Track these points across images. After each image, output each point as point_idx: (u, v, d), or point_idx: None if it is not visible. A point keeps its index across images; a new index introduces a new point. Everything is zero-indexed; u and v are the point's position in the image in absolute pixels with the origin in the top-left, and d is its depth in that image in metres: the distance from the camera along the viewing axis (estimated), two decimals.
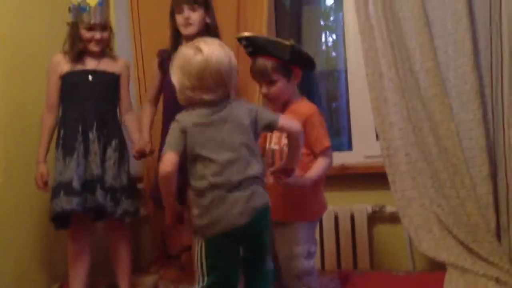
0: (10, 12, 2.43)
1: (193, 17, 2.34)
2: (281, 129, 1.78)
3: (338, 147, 2.89)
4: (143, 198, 2.69)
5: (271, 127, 1.75)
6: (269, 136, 2.05)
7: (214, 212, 1.64)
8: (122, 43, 2.94)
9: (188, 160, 1.69)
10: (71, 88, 2.34)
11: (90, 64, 2.36)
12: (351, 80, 2.77)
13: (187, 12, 2.33)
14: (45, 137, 2.33)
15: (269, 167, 1.96)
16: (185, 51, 1.71)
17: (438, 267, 2.34)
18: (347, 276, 2.45)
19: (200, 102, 1.69)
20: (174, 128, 1.69)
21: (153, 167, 2.81)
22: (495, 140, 2.29)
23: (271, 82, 1.97)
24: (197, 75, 1.66)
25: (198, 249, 1.69)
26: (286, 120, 1.77)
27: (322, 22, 3.59)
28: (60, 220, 2.26)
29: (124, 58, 2.52)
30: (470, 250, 2.27)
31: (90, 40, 2.33)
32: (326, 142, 1.94)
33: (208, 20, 2.38)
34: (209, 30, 2.37)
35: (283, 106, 2.02)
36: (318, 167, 1.93)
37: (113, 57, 2.44)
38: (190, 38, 2.36)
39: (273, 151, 2.02)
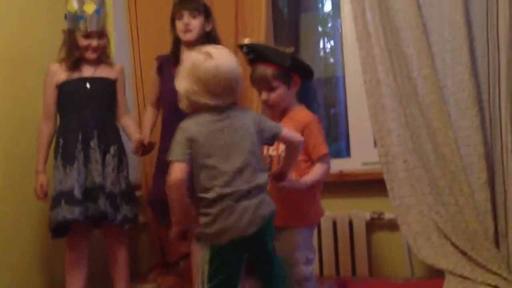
0: (11, 14, 2.43)
1: (193, 23, 2.36)
2: (283, 141, 1.79)
3: (336, 154, 2.89)
4: (141, 205, 2.69)
5: (274, 139, 1.77)
6: None
7: (223, 222, 1.63)
8: (120, 50, 2.95)
9: (194, 169, 1.67)
10: (69, 97, 2.33)
11: (87, 71, 2.36)
12: (349, 87, 2.78)
13: (187, 18, 2.35)
14: (43, 147, 2.33)
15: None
16: (195, 56, 1.70)
17: (436, 275, 2.33)
18: (346, 283, 2.44)
19: (205, 108, 1.68)
20: (179, 136, 1.67)
21: (151, 174, 2.82)
22: (493, 147, 2.29)
23: (271, 89, 1.99)
24: (206, 80, 1.66)
25: (203, 255, 1.68)
26: (288, 132, 1.78)
27: (320, 29, 3.60)
28: (59, 229, 2.24)
29: (119, 63, 2.52)
30: (468, 258, 2.27)
31: (87, 48, 2.33)
32: (324, 149, 1.96)
33: (207, 28, 2.40)
34: (209, 37, 2.38)
35: (282, 113, 2.03)
36: (315, 172, 1.95)
37: (109, 63, 2.43)
38: (190, 44, 2.38)
39: (271, 157, 2.03)
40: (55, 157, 2.30)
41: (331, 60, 3.46)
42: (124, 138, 2.46)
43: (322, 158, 1.96)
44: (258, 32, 2.66)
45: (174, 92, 2.34)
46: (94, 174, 2.27)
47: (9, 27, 2.41)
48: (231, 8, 2.73)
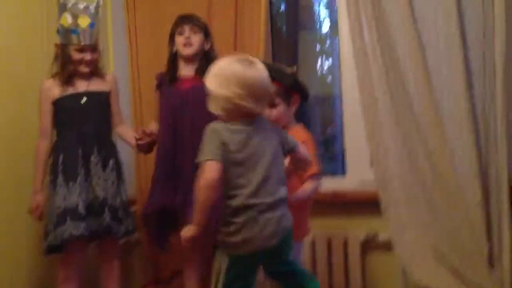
0: (8, 21, 2.43)
1: (194, 38, 2.39)
2: (298, 156, 1.82)
3: (332, 173, 2.88)
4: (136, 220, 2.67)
5: (291, 151, 1.79)
6: None
7: (247, 232, 1.63)
8: (118, 62, 2.97)
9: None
10: (66, 113, 2.33)
11: (81, 86, 2.36)
12: (346, 105, 2.78)
13: (188, 33, 2.38)
14: (41, 165, 2.31)
15: None
16: (236, 61, 1.71)
17: None
18: None
19: (238, 116, 1.68)
20: (213, 137, 1.66)
21: (146, 189, 2.81)
22: (488, 165, 2.29)
23: (273, 105, 2.02)
24: (252, 85, 1.67)
25: (220, 264, 1.68)
26: (303, 149, 1.82)
27: (318, 47, 3.63)
28: (57, 246, 2.22)
29: (111, 74, 2.53)
30: (463, 278, 2.26)
31: (80, 62, 2.33)
32: (316, 168, 2.01)
33: (206, 47, 2.42)
34: (207, 56, 2.41)
35: None
36: (305, 189, 1.99)
37: (101, 75, 2.43)
38: (188, 59, 2.40)
39: None
40: (55, 174, 2.27)
41: (329, 78, 3.48)
42: (120, 147, 2.45)
43: (313, 177, 2.00)
44: (257, 50, 2.67)
45: (171, 109, 2.38)
46: (97, 189, 2.27)
47: (6, 36, 2.42)
48: (230, 26, 2.74)
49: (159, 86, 2.46)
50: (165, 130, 2.39)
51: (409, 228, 2.37)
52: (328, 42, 3.53)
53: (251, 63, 1.70)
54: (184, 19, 2.42)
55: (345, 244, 2.57)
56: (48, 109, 2.33)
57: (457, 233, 2.30)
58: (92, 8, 2.33)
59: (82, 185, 2.24)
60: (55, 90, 2.33)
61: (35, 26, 2.43)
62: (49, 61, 2.38)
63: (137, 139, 2.38)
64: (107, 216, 2.24)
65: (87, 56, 2.33)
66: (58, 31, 2.33)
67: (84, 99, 2.34)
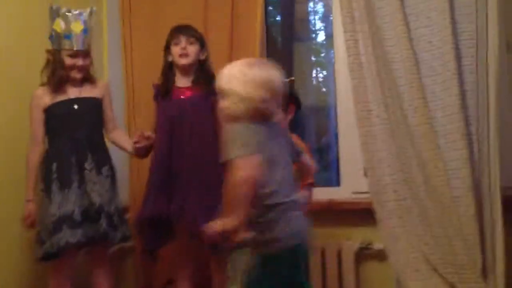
0: (8, 21, 2.43)
1: (190, 48, 2.40)
2: (303, 162, 1.84)
3: (326, 183, 2.89)
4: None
5: (297, 158, 1.80)
6: None
7: (279, 229, 1.62)
8: (113, 71, 2.98)
9: None
10: (58, 120, 2.31)
11: (73, 92, 2.35)
12: (341, 116, 2.80)
13: (184, 43, 2.39)
14: (32, 174, 2.30)
15: None
16: (258, 65, 1.71)
17: None
18: None
19: (258, 118, 1.66)
20: (248, 132, 1.62)
21: (139, 196, 2.81)
22: (481, 180, 2.31)
23: None
24: (277, 89, 1.69)
25: (244, 262, 1.67)
26: (307, 158, 1.86)
27: (313, 58, 3.66)
28: (53, 254, 2.20)
29: (102, 80, 2.53)
30: None
31: (72, 68, 2.32)
32: (312, 178, 2.05)
33: (202, 57, 2.44)
34: (203, 66, 2.43)
35: None
36: (304, 196, 1.99)
37: (92, 82, 2.42)
38: (185, 69, 2.42)
39: None
40: (48, 183, 2.26)
41: (323, 89, 3.50)
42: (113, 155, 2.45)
43: (310, 185, 2.05)
44: None
45: (168, 119, 2.39)
46: (92, 195, 2.26)
47: (5, 36, 2.41)
48: (226, 36, 2.76)
49: (156, 97, 2.47)
50: (162, 139, 2.39)
51: (402, 238, 2.38)
52: (323, 53, 3.56)
53: (273, 68, 1.71)
54: (181, 30, 2.44)
55: (339, 253, 2.57)
56: (39, 116, 2.32)
57: (450, 244, 2.31)
58: (85, 15, 2.33)
59: (77, 192, 2.23)
60: (46, 97, 2.31)
61: (35, 26, 2.42)
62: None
63: (134, 142, 2.38)
64: (103, 223, 2.23)
65: (79, 62, 2.32)
66: (50, 37, 2.32)
67: (76, 105, 2.33)
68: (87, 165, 2.28)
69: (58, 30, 2.29)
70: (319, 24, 3.68)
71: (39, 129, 2.32)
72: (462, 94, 2.34)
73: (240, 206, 1.59)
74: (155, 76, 2.56)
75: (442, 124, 2.38)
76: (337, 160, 2.83)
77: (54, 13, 2.31)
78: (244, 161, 1.58)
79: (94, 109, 2.39)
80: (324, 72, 3.62)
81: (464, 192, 2.30)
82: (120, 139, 2.47)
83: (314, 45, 3.58)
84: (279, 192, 1.64)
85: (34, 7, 2.51)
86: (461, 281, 2.26)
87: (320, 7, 3.64)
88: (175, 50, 2.41)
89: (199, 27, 2.65)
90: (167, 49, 2.45)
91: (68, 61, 2.31)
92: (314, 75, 3.61)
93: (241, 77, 1.67)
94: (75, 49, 2.30)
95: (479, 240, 2.27)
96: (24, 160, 2.33)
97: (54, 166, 2.27)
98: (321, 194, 2.14)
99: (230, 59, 2.74)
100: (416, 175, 2.39)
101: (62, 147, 2.29)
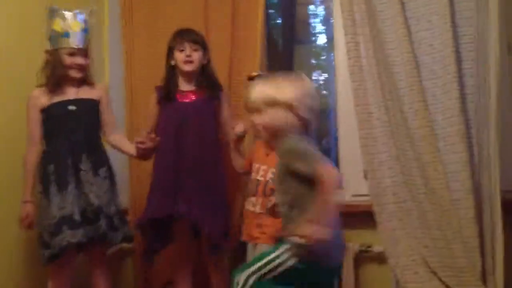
0: (8, 21, 2.43)
1: (195, 55, 2.42)
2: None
3: None
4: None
5: None
6: (258, 167, 2.22)
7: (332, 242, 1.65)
8: (114, 73, 2.98)
9: (307, 182, 1.67)
10: (55, 121, 2.30)
11: (70, 93, 2.34)
12: (341, 119, 2.80)
13: (189, 50, 2.41)
14: (30, 175, 2.29)
15: (251, 195, 2.21)
16: (303, 79, 1.80)
17: None
18: None
19: (299, 130, 1.72)
20: (308, 146, 1.69)
21: (138, 199, 2.81)
22: (481, 183, 2.31)
23: None
24: (317, 102, 1.78)
25: (285, 262, 1.66)
26: None
27: (313, 61, 3.66)
28: (55, 255, 2.20)
29: (101, 83, 2.52)
30: None
31: (71, 66, 2.31)
32: None
33: (204, 61, 2.45)
34: (205, 69, 2.44)
35: None
36: None
37: (91, 84, 2.41)
38: (188, 75, 2.42)
39: (258, 181, 2.19)
40: (46, 184, 2.25)
41: (324, 92, 3.50)
42: (113, 158, 2.44)
43: None
44: (253, 63, 2.69)
45: (173, 123, 2.40)
46: (90, 196, 2.25)
47: (5, 34, 2.41)
48: (227, 38, 2.76)
49: (159, 100, 2.48)
50: (166, 142, 2.41)
51: (402, 241, 2.38)
52: (323, 56, 3.57)
53: (308, 81, 1.81)
54: (185, 35, 2.44)
55: None
56: (36, 117, 2.31)
57: (449, 247, 2.31)
58: (85, 15, 2.34)
59: (74, 193, 2.22)
60: (43, 98, 2.30)
61: (35, 26, 2.42)
62: None
63: (140, 142, 2.37)
64: (103, 223, 2.23)
65: (78, 60, 2.31)
66: (49, 38, 2.32)
67: (73, 106, 2.32)
68: (83, 166, 2.27)
69: (57, 29, 2.29)
70: (319, 27, 3.70)
71: (36, 130, 2.31)
72: (463, 97, 2.34)
73: (329, 215, 1.63)
74: (156, 76, 2.57)
75: (442, 127, 2.38)
76: (338, 162, 2.83)
77: (53, 14, 2.31)
78: (326, 169, 1.63)
79: (91, 110, 2.38)
80: (325, 75, 3.63)
81: (464, 195, 2.30)
82: (121, 143, 2.46)
83: (315, 47, 3.59)
84: None
85: (34, 7, 2.51)
86: (460, 284, 2.26)
87: (321, 10, 3.65)
88: (180, 56, 2.42)
89: (200, 28, 2.66)
90: (170, 52, 2.46)
91: (67, 60, 2.30)
92: (314, 77, 3.62)
93: (291, 89, 1.72)
94: (74, 46, 2.30)
95: (478, 243, 2.28)
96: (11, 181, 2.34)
97: (52, 167, 2.26)
98: None
99: (231, 60, 2.76)
100: (416, 177, 2.39)
101: (59, 148, 2.28)
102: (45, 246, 2.20)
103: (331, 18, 2.86)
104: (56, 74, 2.30)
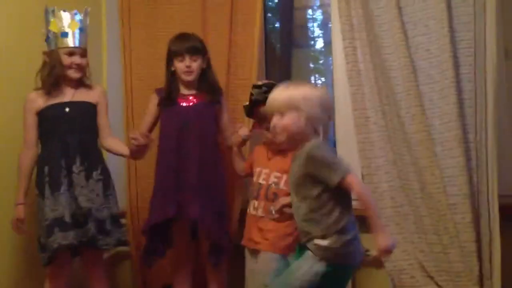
0: (8, 21, 2.43)
1: (194, 65, 2.42)
2: None
3: None
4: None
5: None
6: (259, 171, 2.24)
7: (355, 243, 1.76)
8: (112, 77, 2.97)
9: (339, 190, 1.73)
10: (51, 123, 2.30)
11: (67, 95, 2.34)
12: (339, 123, 2.80)
13: (188, 61, 2.41)
14: (25, 177, 2.29)
15: (253, 199, 2.22)
16: (320, 89, 1.88)
17: None
18: None
19: (313, 137, 1.77)
20: (328, 147, 1.80)
21: (135, 202, 2.80)
22: (479, 188, 2.31)
23: None
24: (329, 111, 1.84)
25: (314, 268, 1.71)
26: None
27: (311, 65, 3.67)
28: (50, 256, 2.19)
29: (99, 86, 2.52)
30: None
31: (70, 66, 2.31)
32: None
33: (204, 66, 2.45)
34: (205, 74, 2.44)
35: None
36: None
37: (88, 86, 2.41)
38: (189, 83, 2.43)
39: (260, 185, 2.21)
40: (41, 186, 2.25)
41: None
42: (109, 161, 2.44)
43: None
44: (250, 67, 2.69)
45: (174, 127, 2.40)
46: (81, 199, 2.24)
47: (5, 35, 2.41)
48: (225, 42, 2.75)
49: (160, 104, 2.48)
50: (169, 146, 2.42)
51: (399, 245, 2.38)
52: (321, 60, 3.57)
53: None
54: (183, 44, 2.43)
55: None
56: (32, 120, 2.31)
57: (446, 252, 2.32)
58: (80, 15, 2.35)
59: (66, 195, 2.22)
60: (39, 100, 2.31)
61: (35, 27, 2.41)
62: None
63: (132, 138, 2.33)
64: (91, 227, 2.22)
65: (77, 60, 2.31)
66: (46, 39, 2.33)
67: (68, 109, 2.31)
68: (75, 169, 2.27)
69: (55, 29, 2.30)
70: (317, 31, 3.70)
71: (32, 133, 2.31)
72: (460, 102, 2.35)
73: (378, 216, 1.76)
74: (155, 77, 2.56)
75: (440, 131, 2.38)
76: None
77: (50, 15, 2.32)
78: (353, 176, 1.71)
79: (87, 113, 2.38)
80: (323, 79, 3.63)
81: (461, 200, 2.31)
82: (115, 145, 2.44)
83: (313, 52, 3.60)
84: None
85: (34, 7, 2.50)
86: None
87: (319, 14, 3.66)
88: (179, 66, 2.42)
89: (198, 30, 2.66)
90: (169, 59, 2.46)
91: (66, 59, 2.30)
92: (312, 81, 3.62)
93: (313, 98, 1.77)
94: (72, 45, 2.30)
95: (475, 247, 2.28)
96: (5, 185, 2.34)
97: (46, 169, 2.27)
98: None
99: (229, 64, 2.75)
100: (413, 182, 2.39)
101: (54, 150, 2.28)
102: (41, 247, 2.21)
103: (329, 23, 2.87)
104: (54, 74, 2.30)
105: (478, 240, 2.29)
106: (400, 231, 2.39)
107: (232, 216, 2.61)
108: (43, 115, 2.31)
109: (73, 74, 2.33)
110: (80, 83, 2.38)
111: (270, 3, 3.48)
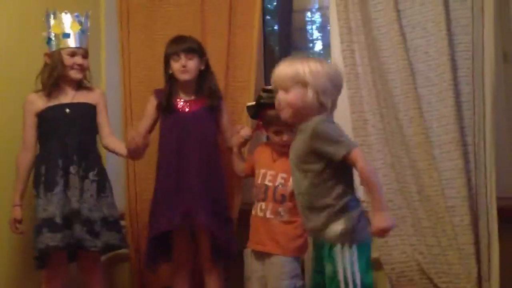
0: (8, 21, 2.44)
1: (190, 64, 2.42)
2: None
3: None
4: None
5: None
6: (264, 172, 2.23)
7: (364, 217, 1.75)
8: (110, 80, 2.97)
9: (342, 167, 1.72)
10: (49, 124, 2.32)
11: (67, 97, 2.35)
12: None
13: (184, 60, 2.40)
14: (22, 178, 2.30)
15: (259, 201, 2.20)
16: (328, 64, 1.83)
17: None
18: None
19: (322, 110, 1.75)
20: (334, 124, 1.77)
21: (134, 203, 2.80)
22: (477, 190, 2.32)
23: (280, 132, 2.20)
24: (339, 86, 1.82)
25: (349, 258, 1.69)
26: None
27: None
28: (41, 259, 2.20)
29: (99, 88, 2.53)
30: None
31: (72, 67, 2.32)
32: None
33: (202, 67, 2.45)
34: (203, 74, 2.44)
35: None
36: None
37: (88, 88, 2.43)
38: (186, 83, 2.43)
39: (266, 186, 2.21)
40: (37, 186, 2.26)
41: None
42: (109, 161, 2.45)
43: None
44: (249, 69, 2.70)
45: (174, 132, 2.41)
46: (72, 200, 2.24)
47: (5, 36, 2.42)
48: (223, 45, 2.75)
49: (159, 107, 2.48)
50: (169, 152, 2.42)
51: (397, 247, 2.38)
52: None
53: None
54: (179, 45, 2.43)
55: None
56: (31, 122, 2.32)
57: (445, 255, 2.32)
58: (81, 17, 2.37)
59: (60, 196, 2.22)
60: (39, 102, 2.32)
61: (35, 27, 2.43)
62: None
63: (130, 139, 2.33)
64: (77, 228, 2.21)
65: (79, 60, 2.33)
66: (48, 41, 2.34)
67: (68, 110, 2.32)
68: (72, 169, 2.27)
69: (57, 31, 2.32)
70: (316, 34, 3.71)
71: (31, 134, 2.32)
72: (458, 105, 2.35)
73: (382, 194, 1.71)
74: (153, 79, 2.57)
75: (438, 134, 2.39)
76: None
77: (51, 17, 2.33)
78: (359, 151, 1.69)
79: (86, 114, 2.39)
80: None
81: (459, 202, 2.31)
82: (114, 145, 2.45)
83: (312, 54, 3.59)
84: None
85: (34, 7, 2.52)
86: None
87: (317, 17, 3.66)
88: (175, 66, 2.42)
89: (197, 32, 2.67)
90: (166, 60, 2.46)
91: (68, 60, 2.32)
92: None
93: (322, 72, 1.73)
94: (74, 46, 2.32)
95: (474, 250, 2.28)
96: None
97: (43, 169, 2.27)
98: None
99: (227, 66, 2.76)
100: (411, 185, 2.39)
101: (53, 151, 2.29)
102: (34, 248, 2.21)
103: (328, 25, 2.87)
104: (55, 75, 2.31)
105: (477, 242, 2.29)
106: (398, 234, 2.39)
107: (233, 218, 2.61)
108: (43, 117, 2.32)
109: (75, 74, 2.34)
110: (80, 85, 2.39)
111: (268, 6, 3.49)
